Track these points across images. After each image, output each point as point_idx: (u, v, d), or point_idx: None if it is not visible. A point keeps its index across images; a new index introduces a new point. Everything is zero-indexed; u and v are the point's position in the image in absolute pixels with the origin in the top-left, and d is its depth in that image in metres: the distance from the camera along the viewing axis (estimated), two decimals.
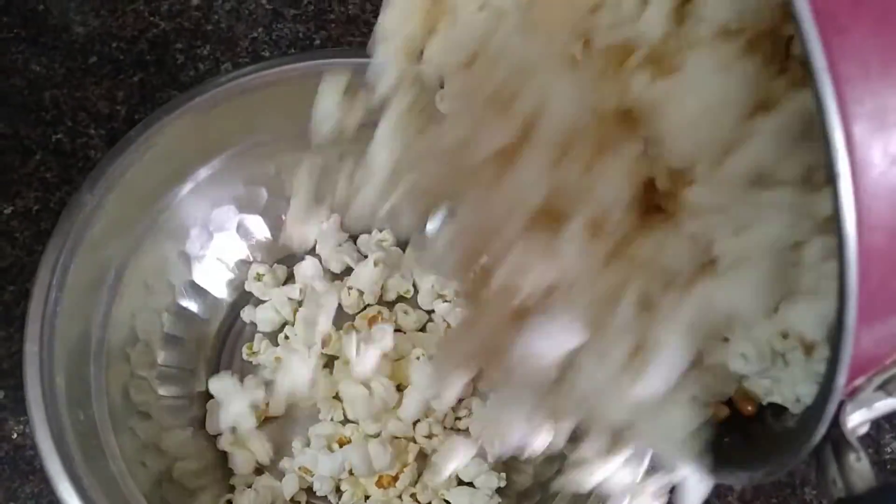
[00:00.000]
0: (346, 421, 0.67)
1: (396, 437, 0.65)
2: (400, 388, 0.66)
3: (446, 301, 0.69)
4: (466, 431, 0.67)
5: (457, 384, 0.49)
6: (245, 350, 0.71)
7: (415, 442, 0.65)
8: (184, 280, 0.72)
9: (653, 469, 0.52)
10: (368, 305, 0.72)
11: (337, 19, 0.88)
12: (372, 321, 0.69)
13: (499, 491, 0.64)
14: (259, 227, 0.75)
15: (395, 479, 0.63)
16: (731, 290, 0.35)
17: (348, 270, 0.73)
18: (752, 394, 0.43)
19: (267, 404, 0.67)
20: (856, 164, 0.28)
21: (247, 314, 0.73)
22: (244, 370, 0.72)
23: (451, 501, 0.63)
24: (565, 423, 0.44)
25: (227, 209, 0.73)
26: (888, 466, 0.73)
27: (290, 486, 0.64)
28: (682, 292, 0.37)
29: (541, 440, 0.45)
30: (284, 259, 0.75)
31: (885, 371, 0.33)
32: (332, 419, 0.66)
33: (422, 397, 0.64)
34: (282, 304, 0.70)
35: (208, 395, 0.70)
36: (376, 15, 0.87)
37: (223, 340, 0.74)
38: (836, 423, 0.34)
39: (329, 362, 0.69)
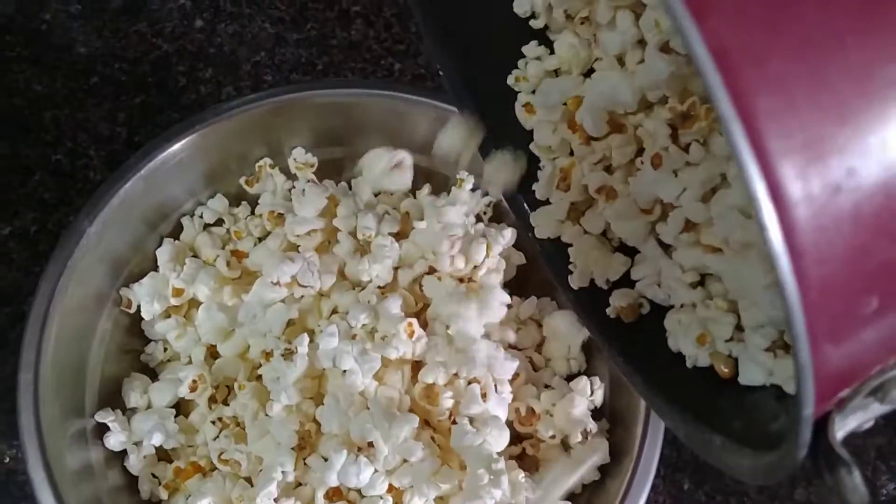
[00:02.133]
0: None
1: None
2: None
3: None
4: None
5: None
6: None
7: None
8: None
9: None
10: None
11: (339, 45, 0.88)
12: None
13: None
14: None
15: None
16: None
17: None
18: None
19: None
20: (791, 203, 0.27)
21: None
22: None
23: None
24: None
25: None
26: None
27: None
28: None
29: None
30: None
31: (874, 379, 0.33)
32: None
33: None
34: None
35: None
36: (378, 41, 0.89)
37: None
38: (825, 435, 0.34)
39: None
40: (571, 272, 0.56)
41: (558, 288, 0.58)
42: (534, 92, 0.57)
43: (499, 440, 0.58)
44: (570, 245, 0.57)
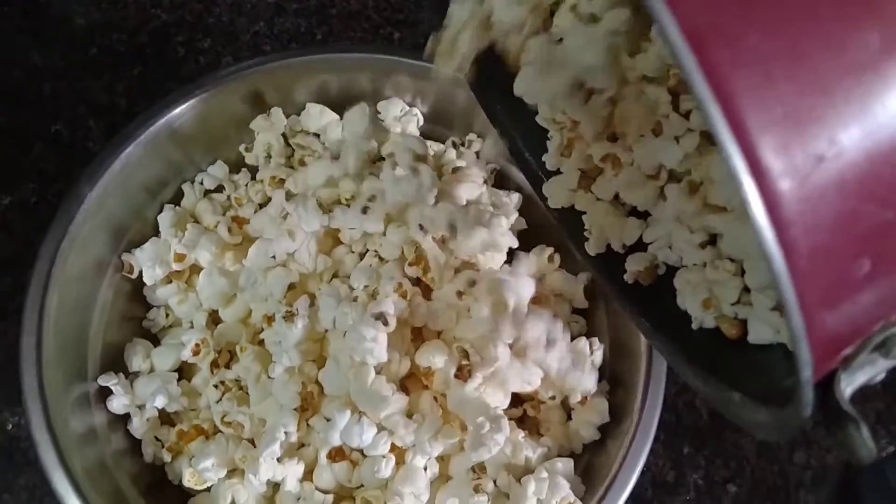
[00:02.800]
0: None
1: None
2: None
3: None
4: None
5: None
6: None
7: None
8: None
9: None
10: None
11: (339, 14, 0.88)
12: None
13: None
14: None
15: None
16: None
17: None
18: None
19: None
20: (774, 176, 0.27)
21: None
22: None
23: None
24: None
25: None
26: None
27: None
28: None
29: None
30: None
31: (878, 335, 0.33)
32: None
33: None
34: None
35: None
36: (378, 11, 0.88)
37: None
38: (832, 393, 0.34)
39: None
40: (588, 239, 0.57)
41: (578, 257, 0.59)
42: None
43: (494, 396, 0.59)
44: (584, 213, 0.58)
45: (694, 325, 0.50)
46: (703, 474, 0.74)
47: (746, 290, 0.48)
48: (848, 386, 0.34)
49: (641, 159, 0.52)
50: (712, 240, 0.50)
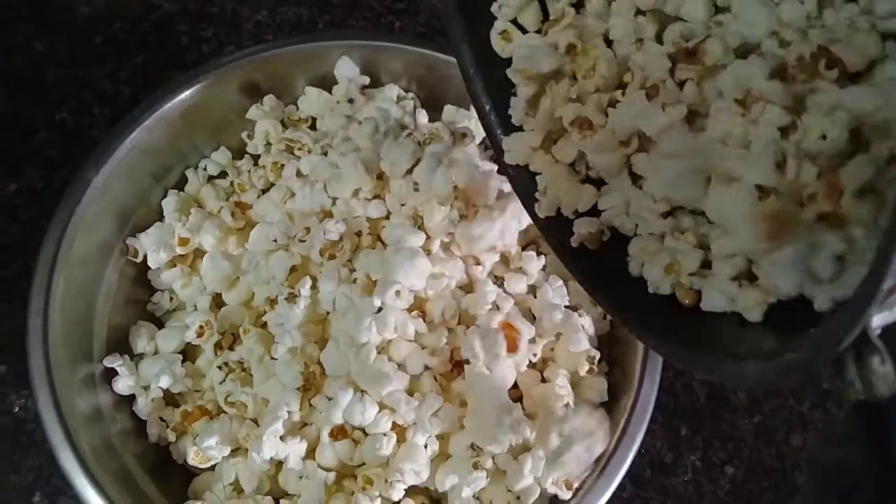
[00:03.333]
0: None
1: None
2: None
3: None
4: None
5: None
6: None
7: None
8: None
9: None
10: None
11: (340, 3, 0.89)
12: None
13: None
14: None
15: None
16: None
17: None
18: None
19: None
20: None
21: None
22: None
23: None
24: None
25: None
26: None
27: None
28: None
29: None
30: None
31: None
32: None
33: None
34: None
35: None
36: (379, 0, 0.89)
37: None
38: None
39: None
40: (538, 201, 0.56)
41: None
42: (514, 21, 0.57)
43: (506, 380, 0.60)
44: (538, 174, 0.56)
45: (650, 289, 0.49)
46: (701, 456, 0.75)
47: (705, 264, 0.48)
48: (879, 320, 0.35)
49: (618, 122, 0.51)
50: (672, 211, 0.50)
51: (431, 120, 0.72)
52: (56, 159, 0.81)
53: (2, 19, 0.87)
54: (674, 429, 0.75)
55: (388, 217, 0.64)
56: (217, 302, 0.68)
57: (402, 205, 0.63)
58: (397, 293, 0.58)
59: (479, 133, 0.70)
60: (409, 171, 0.62)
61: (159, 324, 0.70)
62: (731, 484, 0.74)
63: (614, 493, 0.67)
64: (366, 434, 0.60)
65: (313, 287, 0.62)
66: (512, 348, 0.59)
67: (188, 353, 0.68)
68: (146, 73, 0.86)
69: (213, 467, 0.63)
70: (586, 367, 0.63)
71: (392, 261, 0.59)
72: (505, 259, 0.66)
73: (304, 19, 0.89)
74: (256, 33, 0.88)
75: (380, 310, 0.59)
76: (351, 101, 0.69)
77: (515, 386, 0.62)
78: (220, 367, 0.65)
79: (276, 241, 0.64)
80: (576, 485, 0.59)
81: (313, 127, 0.73)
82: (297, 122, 0.72)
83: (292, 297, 0.61)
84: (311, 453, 0.61)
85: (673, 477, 0.74)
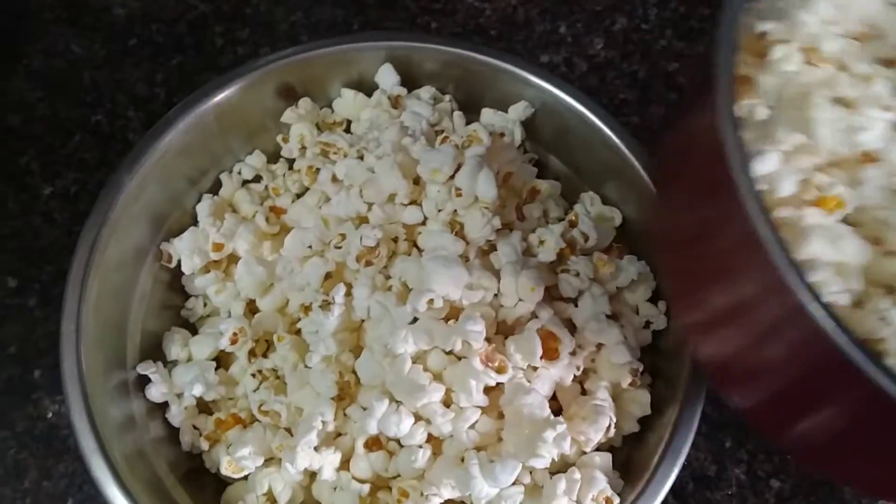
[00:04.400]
0: None
1: None
2: None
3: None
4: None
5: None
6: None
7: None
8: None
9: None
10: None
11: (375, 3, 0.88)
12: None
13: None
14: None
15: None
16: None
17: None
18: None
19: None
20: None
21: None
22: None
23: None
24: None
25: None
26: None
27: None
28: None
29: None
30: None
31: None
32: None
33: None
34: None
35: None
36: (415, 0, 0.88)
37: None
38: None
39: None
40: None
41: None
42: None
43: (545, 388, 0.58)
44: None
45: None
46: (746, 469, 0.72)
47: None
48: None
49: None
50: None
51: (468, 122, 0.70)
52: (91, 162, 0.81)
53: (41, 21, 0.87)
54: (718, 441, 0.73)
55: (424, 223, 0.63)
56: (251, 308, 0.67)
57: (440, 210, 0.62)
58: (430, 302, 0.56)
59: (516, 135, 0.68)
60: (451, 177, 0.60)
61: (193, 330, 0.69)
62: (776, 498, 0.71)
63: None
64: (401, 445, 0.59)
65: (348, 294, 0.60)
66: (551, 357, 0.57)
67: (222, 360, 0.67)
68: (181, 75, 0.85)
69: (246, 477, 0.62)
70: (629, 380, 0.61)
71: (427, 268, 0.57)
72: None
73: (339, 20, 0.87)
74: (292, 34, 0.87)
75: (415, 319, 0.58)
76: (391, 103, 0.68)
77: (554, 397, 0.61)
78: (253, 375, 0.64)
79: (310, 247, 0.62)
80: (616, 501, 0.57)
81: (348, 130, 0.72)
82: (332, 125, 0.71)
83: (326, 305, 0.59)
84: (345, 464, 0.60)
85: (717, 490, 0.72)
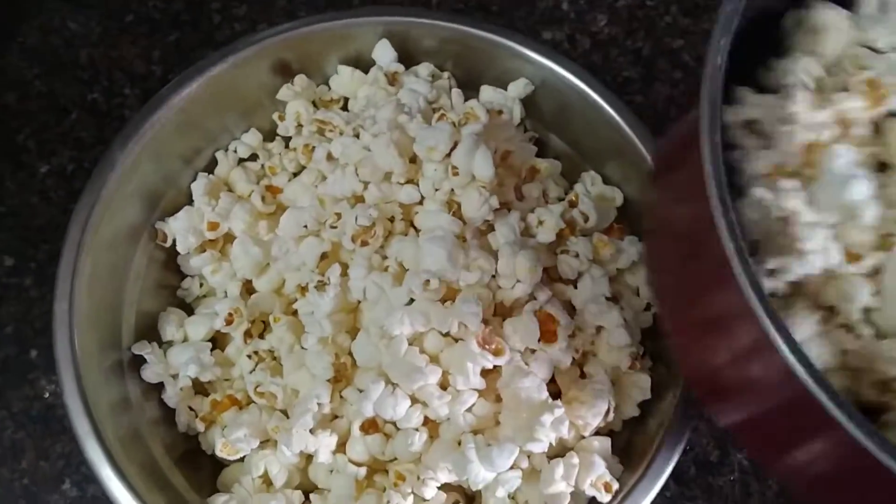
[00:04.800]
0: None
1: None
2: None
3: None
4: None
5: None
6: None
7: None
8: None
9: None
10: None
11: None
12: None
13: None
14: None
15: None
16: None
17: None
18: None
19: None
20: None
21: None
22: None
23: None
24: None
25: None
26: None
27: None
28: None
29: None
30: None
31: None
32: None
33: None
34: None
35: None
36: None
37: None
38: None
39: None
40: None
41: None
42: None
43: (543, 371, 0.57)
44: None
45: None
46: (748, 454, 0.71)
47: None
48: None
49: None
50: None
51: (468, 100, 0.68)
52: (87, 140, 0.80)
53: None
54: (720, 427, 0.72)
55: (421, 203, 0.62)
56: (248, 288, 0.66)
57: (437, 190, 0.60)
58: (426, 283, 0.55)
59: (515, 113, 0.67)
60: (448, 155, 0.59)
61: (189, 310, 0.68)
62: (779, 485, 0.70)
63: (659, 493, 0.65)
64: (397, 428, 0.58)
65: (343, 275, 0.59)
66: (549, 339, 0.56)
67: (218, 341, 0.66)
68: (178, 52, 0.84)
69: (242, 459, 0.62)
70: (628, 363, 0.60)
71: (423, 249, 0.56)
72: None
73: None
74: (290, 10, 0.85)
75: (412, 301, 0.57)
76: (388, 80, 0.67)
77: (553, 381, 0.60)
78: (249, 356, 0.63)
79: (306, 226, 0.61)
80: (615, 486, 0.56)
81: (346, 108, 0.71)
82: (329, 102, 0.70)
83: (322, 285, 0.58)
84: (341, 447, 0.59)
85: (719, 476, 0.71)
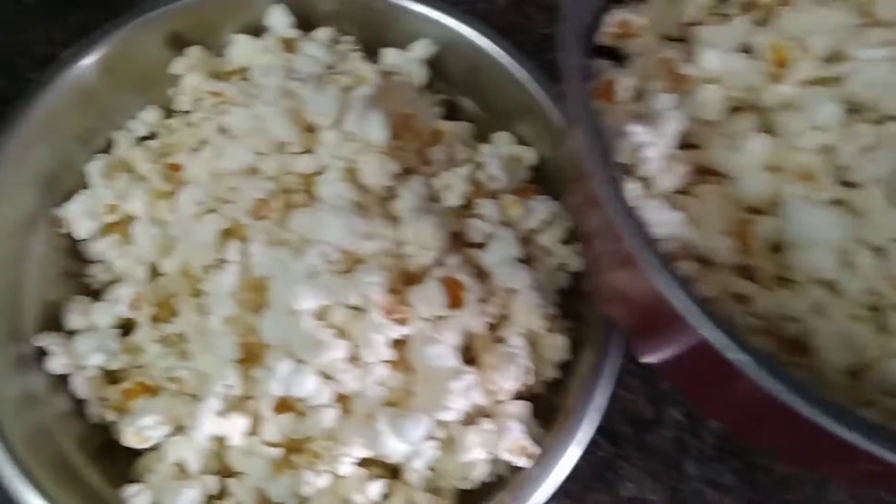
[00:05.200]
0: None
1: None
2: None
3: None
4: None
5: None
6: None
7: None
8: None
9: None
10: None
11: None
12: None
13: None
14: None
15: None
16: None
17: None
18: None
19: None
20: None
21: None
22: None
23: None
24: None
25: None
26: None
27: None
28: None
29: None
30: None
31: None
32: None
33: None
34: None
35: None
36: None
37: None
38: None
39: None
40: None
41: None
42: None
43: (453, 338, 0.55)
44: None
45: None
46: (683, 410, 0.70)
47: None
48: None
49: None
50: None
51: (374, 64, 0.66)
52: None
53: None
54: (654, 383, 0.71)
55: (321, 172, 0.60)
56: (156, 272, 0.64)
57: (335, 158, 0.58)
58: (325, 254, 0.53)
59: (418, 75, 0.65)
60: (341, 121, 0.57)
61: (98, 297, 0.66)
62: (715, 437, 0.70)
63: (591, 453, 0.64)
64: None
65: (245, 252, 0.57)
66: (455, 304, 0.55)
67: (131, 327, 0.64)
68: (83, 33, 0.80)
69: (157, 447, 0.60)
70: (543, 325, 0.58)
71: (320, 219, 0.54)
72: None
73: None
74: None
75: (315, 274, 0.55)
76: (284, 47, 0.64)
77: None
78: (158, 341, 0.61)
79: (202, 203, 0.59)
80: (533, 450, 0.55)
81: (247, 79, 0.68)
82: (230, 73, 0.67)
83: (220, 263, 0.56)
84: (257, 428, 0.57)
85: (654, 433, 0.70)
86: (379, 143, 0.56)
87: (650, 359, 0.53)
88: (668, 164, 0.53)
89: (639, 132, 0.51)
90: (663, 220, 0.50)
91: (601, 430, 0.69)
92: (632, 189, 0.49)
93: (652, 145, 0.51)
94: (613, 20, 0.57)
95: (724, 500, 0.68)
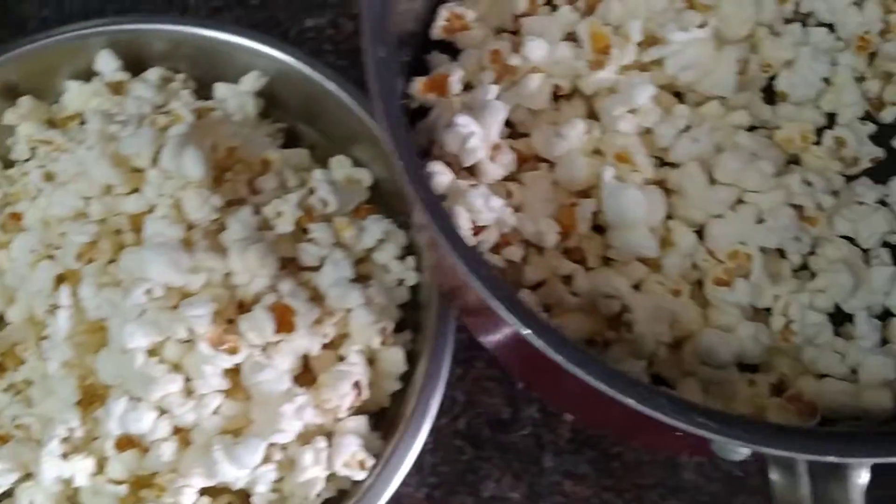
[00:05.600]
0: None
1: None
2: None
3: None
4: None
5: None
6: None
7: None
8: None
9: None
10: None
11: None
12: None
13: None
14: None
15: None
16: None
17: None
18: None
19: None
20: None
21: None
22: None
23: None
24: None
25: None
26: None
27: None
28: None
29: None
30: None
31: None
32: None
33: None
34: None
35: None
36: None
37: None
38: None
39: None
40: None
41: None
42: None
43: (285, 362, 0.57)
44: None
45: None
46: (539, 408, 0.73)
47: None
48: None
49: None
50: None
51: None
52: None
53: None
54: (510, 384, 0.74)
55: (152, 210, 0.61)
56: (2, 321, 0.65)
57: (162, 196, 0.60)
58: (148, 292, 0.55)
59: (238, 108, 0.67)
60: (158, 160, 0.59)
61: None
62: (571, 432, 0.73)
63: (454, 458, 0.67)
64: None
65: (75, 295, 0.58)
66: (285, 328, 0.57)
67: None
68: None
69: (11, 493, 0.60)
70: (378, 339, 0.60)
71: (143, 257, 0.55)
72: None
73: (92, 8, 0.84)
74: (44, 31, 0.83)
75: (144, 312, 0.56)
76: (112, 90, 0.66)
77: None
78: (5, 391, 0.61)
79: (34, 251, 0.60)
80: (369, 462, 0.57)
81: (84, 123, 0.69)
82: (66, 119, 0.68)
83: (53, 309, 0.57)
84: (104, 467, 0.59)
85: (513, 433, 0.72)
86: (197, 178, 0.58)
87: (484, 342, 0.60)
88: (494, 152, 0.57)
89: (466, 123, 0.54)
90: (490, 207, 0.54)
91: (463, 435, 0.72)
92: (440, 179, 0.53)
93: (477, 135, 0.55)
94: (444, 14, 0.61)
95: (581, 489, 0.71)
